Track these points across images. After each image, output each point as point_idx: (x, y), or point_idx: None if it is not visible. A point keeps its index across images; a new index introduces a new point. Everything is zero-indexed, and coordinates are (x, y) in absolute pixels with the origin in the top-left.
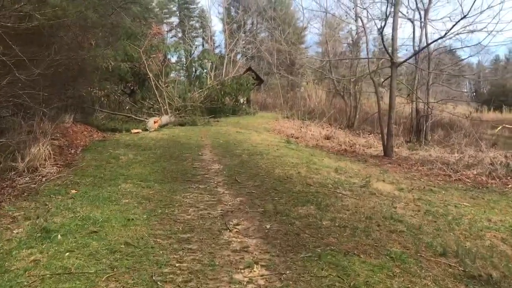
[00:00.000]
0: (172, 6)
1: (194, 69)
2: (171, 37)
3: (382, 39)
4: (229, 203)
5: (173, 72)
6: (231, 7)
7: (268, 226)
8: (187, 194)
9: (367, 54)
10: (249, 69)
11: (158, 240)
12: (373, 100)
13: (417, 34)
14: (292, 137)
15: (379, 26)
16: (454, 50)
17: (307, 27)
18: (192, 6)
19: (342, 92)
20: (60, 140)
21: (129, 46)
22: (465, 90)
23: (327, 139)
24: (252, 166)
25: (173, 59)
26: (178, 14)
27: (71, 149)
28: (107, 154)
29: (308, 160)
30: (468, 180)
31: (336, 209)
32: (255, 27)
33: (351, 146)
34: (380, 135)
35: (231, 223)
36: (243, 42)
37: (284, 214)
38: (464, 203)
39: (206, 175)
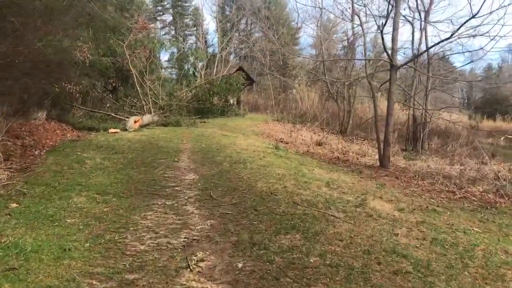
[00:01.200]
0: (165, 3)
1: (181, 67)
2: (164, 34)
3: (382, 38)
4: (197, 228)
5: (162, 70)
6: (226, 6)
7: (240, 265)
8: (148, 213)
9: (364, 55)
10: (240, 68)
11: (94, 283)
12: (367, 105)
13: (416, 36)
14: (281, 141)
15: (377, 26)
16: (447, 56)
17: (301, 28)
18: (186, 4)
19: (336, 96)
20: (25, 139)
21: (112, 40)
22: (458, 97)
23: (319, 145)
24: (233, 177)
25: (165, 57)
26: (172, 11)
27: (36, 150)
28: (73, 157)
29: (297, 171)
30: (474, 199)
31: (327, 239)
32: (249, 27)
33: (344, 154)
34: (376, 143)
35: (194, 258)
36: (236, 41)
37: (262, 246)
38: (474, 228)
39: (177, 188)
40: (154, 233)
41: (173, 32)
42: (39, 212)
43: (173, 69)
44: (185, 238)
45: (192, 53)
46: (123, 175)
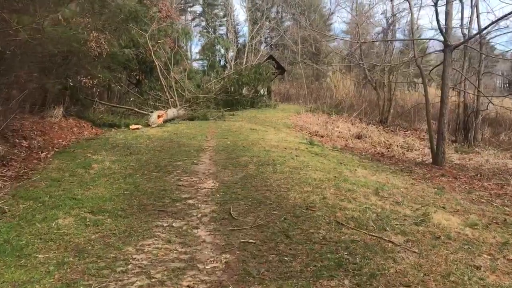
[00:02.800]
0: None
1: (208, 58)
2: (195, 26)
3: (437, 12)
4: (207, 268)
5: (192, 61)
6: None
7: None
8: (147, 241)
9: (412, 34)
10: (270, 57)
11: None
12: (407, 93)
13: (465, 15)
14: (316, 135)
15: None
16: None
17: (334, 12)
18: None
19: (375, 83)
20: (34, 139)
21: (134, 30)
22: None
23: (358, 138)
24: (259, 184)
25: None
26: (202, 2)
27: (43, 152)
28: (80, 161)
29: (337, 174)
30: None
31: (388, 284)
32: (279, 15)
33: (388, 148)
34: (424, 135)
35: None
36: (267, 30)
37: None
38: None
39: (190, 201)
40: (148, 277)
41: (203, 23)
42: (7, 242)
43: (204, 61)
44: (187, 287)
45: (218, 41)
46: (129, 184)
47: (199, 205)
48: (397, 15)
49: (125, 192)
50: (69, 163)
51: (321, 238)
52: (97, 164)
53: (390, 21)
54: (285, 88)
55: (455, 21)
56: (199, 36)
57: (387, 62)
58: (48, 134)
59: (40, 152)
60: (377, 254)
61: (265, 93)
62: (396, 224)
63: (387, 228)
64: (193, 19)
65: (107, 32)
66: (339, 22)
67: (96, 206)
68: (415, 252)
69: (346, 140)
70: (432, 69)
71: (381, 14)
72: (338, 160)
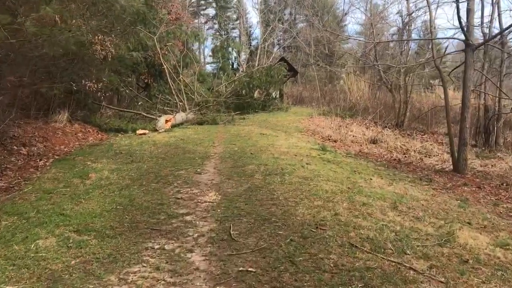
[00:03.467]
0: None
1: (219, 60)
2: (208, 29)
3: (458, 9)
4: None
5: (205, 64)
6: None
7: None
8: (133, 268)
9: (430, 33)
10: (282, 59)
11: None
12: (423, 95)
13: (485, 12)
14: (329, 140)
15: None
16: None
17: (348, 13)
18: None
19: (390, 85)
20: (34, 146)
21: (142, 33)
22: None
23: (373, 143)
24: (265, 198)
25: (209, 51)
26: (214, 5)
27: (42, 160)
28: (77, 170)
29: (350, 184)
30: None
31: None
32: (292, 17)
33: (404, 154)
34: (445, 140)
35: None
36: (280, 32)
37: None
38: None
39: (187, 217)
40: None
41: (216, 26)
42: None
43: (218, 63)
44: None
45: (228, 44)
46: (124, 197)
47: (197, 222)
48: (412, 14)
49: (118, 207)
50: (66, 172)
51: (332, 265)
52: (95, 174)
53: (405, 21)
54: (298, 90)
55: (475, 20)
56: (212, 39)
57: (403, 63)
58: (50, 140)
59: (38, 160)
60: (397, 286)
61: (277, 96)
62: (418, 246)
63: (408, 251)
64: (205, 22)
65: (113, 35)
66: (353, 24)
67: (83, 224)
68: (441, 281)
69: (361, 145)
70: (453, 70)
71: (396, 13)
72: (352, 168)
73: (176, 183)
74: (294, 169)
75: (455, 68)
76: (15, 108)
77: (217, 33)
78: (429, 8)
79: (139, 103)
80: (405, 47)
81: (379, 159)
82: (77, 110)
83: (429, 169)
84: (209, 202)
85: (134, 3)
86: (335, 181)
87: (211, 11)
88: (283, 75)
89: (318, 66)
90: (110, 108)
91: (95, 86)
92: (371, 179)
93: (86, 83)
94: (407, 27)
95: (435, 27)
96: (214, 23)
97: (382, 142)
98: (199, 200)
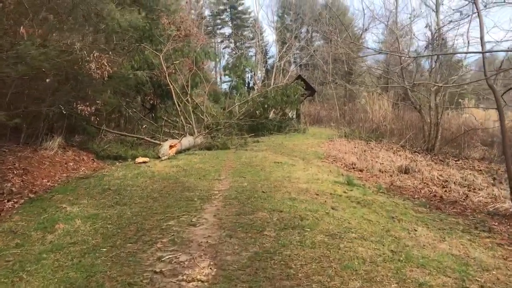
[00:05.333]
0: (225, 16)
1: (232, 79)
2: (224, 48)
3: None
4: None
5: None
6: (285, 15)
7: None
8: None
9: (482, 46)
10: (299, 77)
11: None
12: (452, 115)
13: None
14: (353, 168)
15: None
16: None
17: (368, 29)
18: (245, 16)
19: (419, 105)
20: (9, 181)
21: (147, 51)
22: None
23: (405, 172)
24: (277, 274)
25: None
26: (231, 24)
27: (10, 200)
28: (46, 216)
29: (393, 244)
30: None
31: None
32: (309, 35)
33: (444, 187)
34: (482, 166)
35: None
36: (297, 50)
37: None
38: None
39: None
40: None
41: (232, 45)
42: None
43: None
44: None
45: (241, 61)
46: (82, 271)
47: None
48: (443, 28)
49: None
50: (31, 220)
51: None
52: (63, 224)
53: (435, 35)
54: (316, 109)
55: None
56: (227, 58)
57: (436, 81)
58: (31, 173)
59: (6, 201)
60: None
61: (294, 116)
62: None
63: None
64: (221, 41)
65: (110, 52)
66: (372, 41)
67: None
68: None
69: (391, 176)
70: (507, 90)
71: (425, 27)
72: (389, 212)
73: (160, 242)
74: (316, 218)
75: (509, 89)
76: (8, 133)
77: (233, 52)
78: (478, 15)
79: (144, 126)
80: (436, 64)
81: (416, 195)
82: (73, 134)
83: (481, 211)
84: (198, 281)
85: (130, 17)
86: (372, 239)
87: (227, 30)
88: (300, 94)
89: (336, 84)
90: (111, 132)
91: (88, 109)
92: (415, 230)
93: (78, 105)
94: (436, 41)
95: (468, 42)
96: (230, 42)
97: (415, 171)
98: (185, 278)
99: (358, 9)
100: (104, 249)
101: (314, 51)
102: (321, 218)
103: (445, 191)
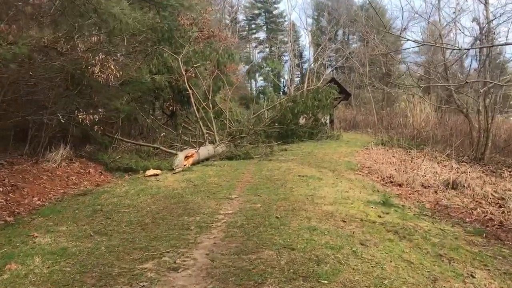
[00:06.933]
0: (259, 21)
1: (259, 82)
2: (259, 52)
3: None
4: None
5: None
6: (321, 18)
7: None
8: None
9: None
10: (332, 80)
11: None
12: (500, 119)
13: None
14: (391, 182)
15: None
16: None
17: (407, 29)
18: (280, 20)
19: (466, 109)
20: None
21: (166, 53)
22: None
23: (453, 188)
24: None
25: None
26: (265, 29)
27: None
28: (5, 251)
29: None
30: None
31: None
32: (345, 37)
33: (501, 207)
34: None
35: None
36: (332, 53)
37: None
38: None
39: None
40: None
41: (267, 50)
42: None
43: (261, 87)
44: None
45: (267, 63)
46: None
47: None
48: (493, 21)
49: None
50: None
51: None
52: (15, 264)
53: (484, 29)
54: (351, 114)
55: None
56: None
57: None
58: (21, 190)
59: None
60: None
61: (327, 121)
62: None
63: None
64: (256, 46)
65: (118, 54)
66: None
67: None
68: None
69: (436, 192)
70: None
71: (472, 21)
72: (434, 246)
73: None
74: (338, 261)
75: None
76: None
77: (268, 56)
78: None
79: (162, 134)
80: (486, 61)
81: (467, 218)
82: (84, 144)
83: None
84: None
85: (136, 14)
86: None
87: (262, 35)
88: (333, 98)
89: (373, 87)
90: (125, 141)
91: (90, 117)
92: (472, 276)
93: (79, 114)
94: (485, 36)
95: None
96: (266, 47)
97: (464, 186)
98: None
99: (396, 6)
100: None
101: (350, 53)
102: (345, 260)
103: (503, 212)
